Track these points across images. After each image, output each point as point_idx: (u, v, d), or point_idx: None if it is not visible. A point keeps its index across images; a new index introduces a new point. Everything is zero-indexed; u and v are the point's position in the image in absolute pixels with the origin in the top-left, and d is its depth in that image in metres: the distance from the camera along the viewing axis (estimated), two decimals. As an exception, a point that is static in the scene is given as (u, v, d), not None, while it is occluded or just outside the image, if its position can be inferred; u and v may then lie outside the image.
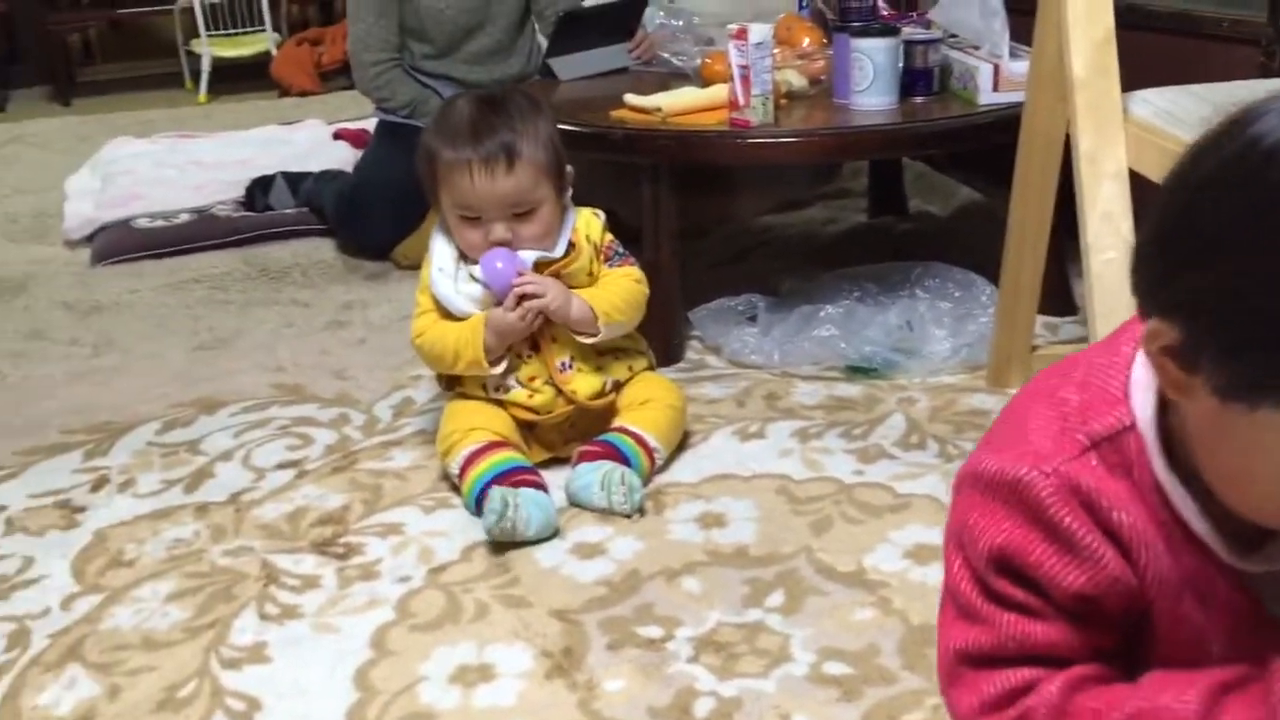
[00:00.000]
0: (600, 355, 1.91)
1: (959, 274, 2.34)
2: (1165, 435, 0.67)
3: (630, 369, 1.94)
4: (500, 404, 1.87)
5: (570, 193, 1.90)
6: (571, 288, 1.85)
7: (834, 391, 2.11)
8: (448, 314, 1.86)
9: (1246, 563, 0.66)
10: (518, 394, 1.87)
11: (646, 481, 1.83)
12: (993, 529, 0.69)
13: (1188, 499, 0.66)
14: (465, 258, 1.86)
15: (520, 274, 1.80)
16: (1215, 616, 0.67)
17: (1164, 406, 0.66)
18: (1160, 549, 0.67)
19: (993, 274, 2.03)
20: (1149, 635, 0.69)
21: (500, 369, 1.84)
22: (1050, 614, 0.69)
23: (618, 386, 1.92)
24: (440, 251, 1.88)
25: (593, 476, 1.76)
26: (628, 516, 1.73)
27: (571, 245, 1.87)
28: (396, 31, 2.93)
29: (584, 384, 1.88)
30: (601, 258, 1.92)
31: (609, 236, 1.94)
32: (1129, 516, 0.67)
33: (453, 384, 1.92)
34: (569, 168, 1.87)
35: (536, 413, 1.87)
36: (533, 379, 1.87)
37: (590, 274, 1.89)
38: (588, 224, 1.92)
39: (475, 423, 1.84)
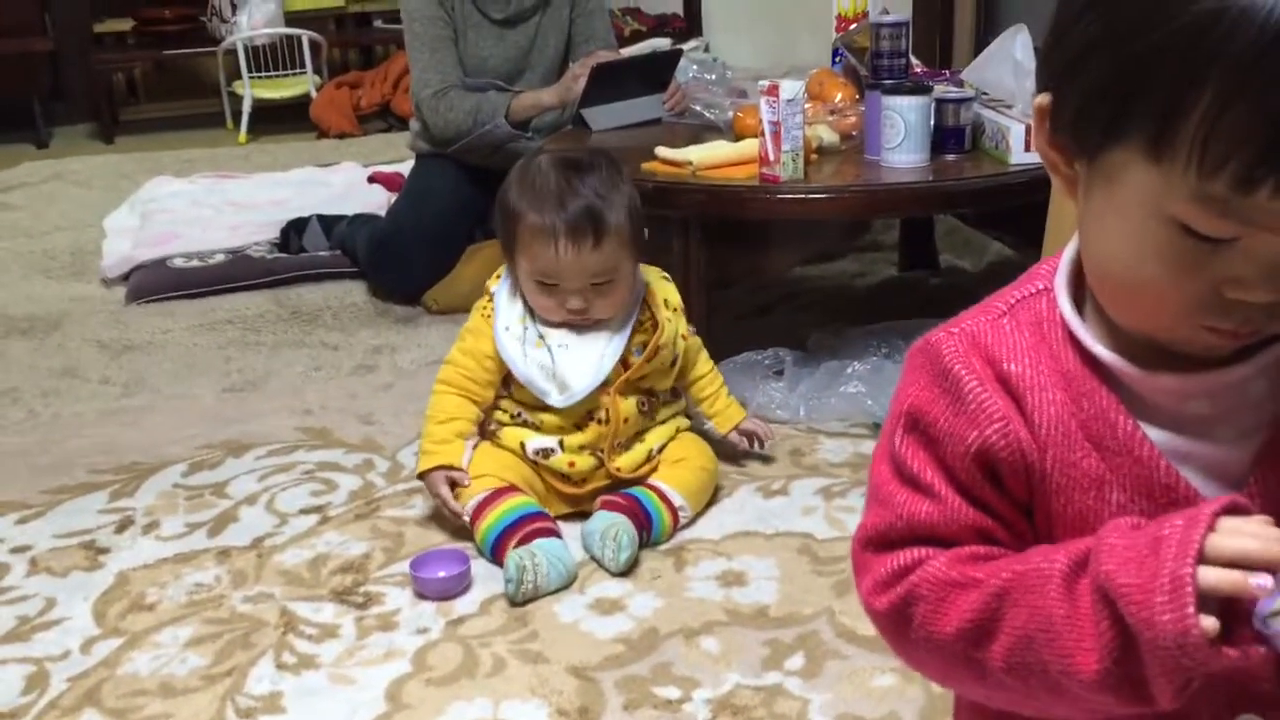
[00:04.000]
0: (651, 426, 1.92)
1: (988, 332, 2.32)
2: (1077, 294, 0.71)
3: (675, 430, 1.94)
4: (534, 465, 1.86)
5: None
6: (657, 363, 1.87)
7: (860, 449, 2.10)
8: (480, 371, 1.84)
9: (1151, 378, 0.67)
10: (558, 460, 1.85)
11: (670, 537, 1.82)
12: (905, 392, 0.73)
13: (1085, 329, 0.69)
14: (534, 315, 1.84)
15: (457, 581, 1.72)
16: (1114, 462, 0.68)
17: (1080, 274, 0.71)
18: (1058, 396, 0.69)
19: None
20: (1048, 497, 0.70)
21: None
22: (943, 493, 0.70)
23: (660, 450, 1.91)
24: (506, 309, 1.85)
25: (600, 525, 1.76)
26: (613, 574, 1.73)
27: (655, 323, 1.87)
28: (455, 64, 2.95)
29: (628, 459, 1.88)
30: (686, 321, 1.95)
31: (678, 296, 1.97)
32: (1020, 366, 0.70)
33: (485, 432, 1.91)
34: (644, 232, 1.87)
35: (572, 480, 1.86)
36: (582, 448, 1.86)
37: (685, 336, 1.92)
38: (663, 289, 1.93)
39: (485, 468, 1.83)
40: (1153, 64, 0.58)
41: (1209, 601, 0.59)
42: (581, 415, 1.85)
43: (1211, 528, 0.60)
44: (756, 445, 2.03)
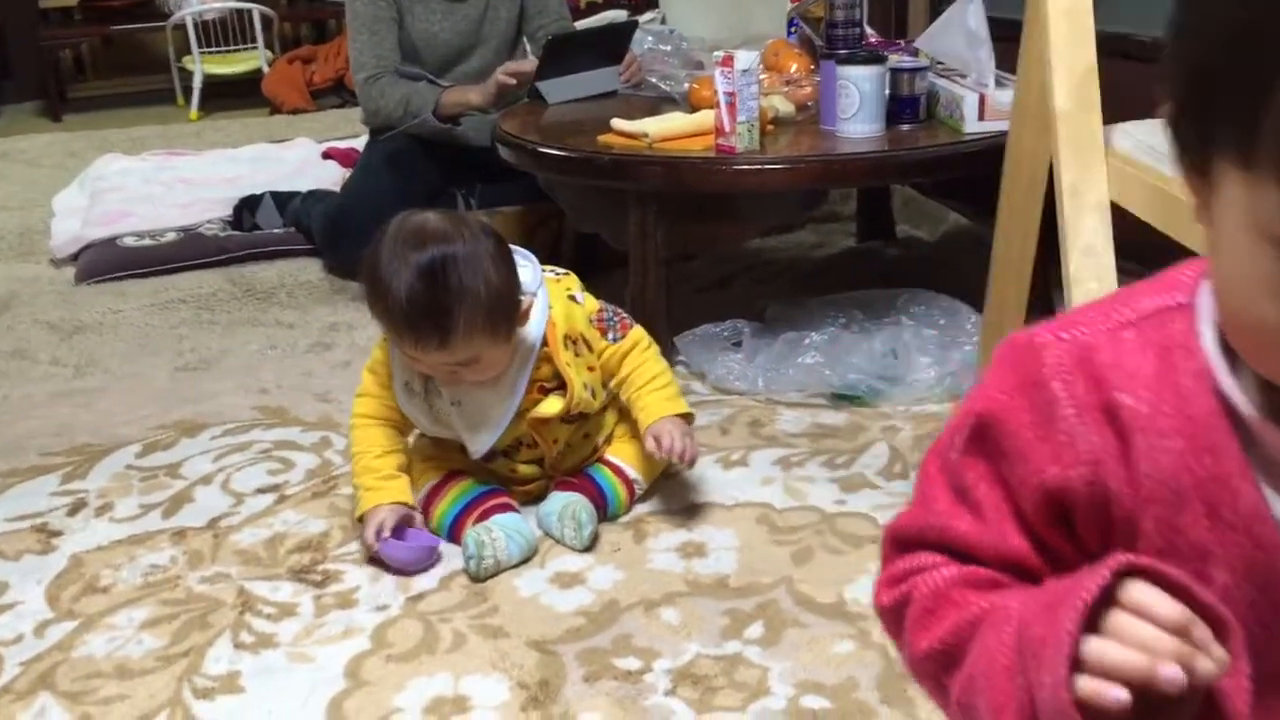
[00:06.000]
0: (588, 420, 1.85)
1: (944, 301, 2.34)
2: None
3: (616, 417, 1.89)
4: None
5: (539, 291, 1.72)
6: (576, 388, 1.73)
7: (818, 419, 2.10)
8: (391, 403, 1.77)
9: None
10: (500, 465, 1.83)
11: (626, 511, 1.82)
12: (984, 392, 0.62)
13: (1227, 369, 0.56)
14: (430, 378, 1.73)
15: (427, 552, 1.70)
16: (1227, 537, 0.56)
17: None
18: (1175, 445, 0.56)
19: (981, 299, 2.03)
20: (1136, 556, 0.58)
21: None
22: (992, 517, 0.61)
23: (607, 441, 1.87)
24: (400, 362, 1.75)
25: (556, 506, 1.75)
26: (578, 551, 1.72)
27: (561, 382, 1.73)
28: (393, 47, 2.92)
29: (571, 458, 1.86)
30: (599, 333, 1.79)
31: (595, 305, 1.81)
32: (1136, 400, 0.57)
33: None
34: (523, 299, 1.68)
35: (516, 482, 1.84)
36: (524, 461, 1.83)
37: (593, 367, 1.78)
38: (568, 317, 1.74)
39: (432, 461, 1.82)
40: (1232, 52, 0.49)
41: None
42: (510, 443, 1.80)
43: (1114, 580, 0.53)
44: (670, 455, 1.73)
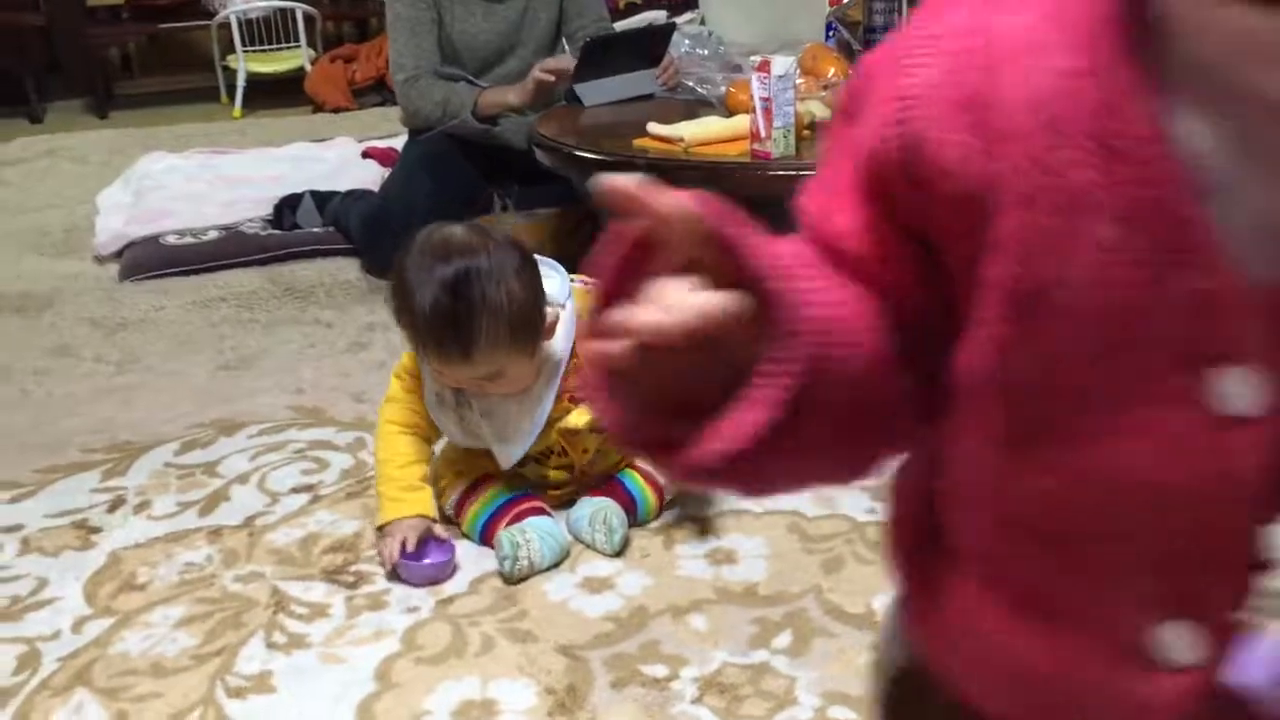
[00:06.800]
0: None
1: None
2: None
3: None
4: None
5: (566, 303, 1.73)
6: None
7: (851, 426, 2.09)
8: (417, 408, 1.79)
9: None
10: (530, 470, 1.84)
11: (656, 516, 1.83)
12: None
13: None
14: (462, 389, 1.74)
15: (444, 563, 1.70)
16: (1116, 172, 0.44)
17: None
18: (1060, 63, 0.45)
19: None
20: (982, 216, 0.47)
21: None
22: (835, 184, 0.52)
23: None
24: (433, 375, 1.76)
25: (587, 511, 1.76)
26: (609, 555, 1.72)
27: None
28: (432, 48, 2.94)
29: (601, 465, 1.86)
30: None
31: None
32: (1024, 17, 0.46)
33: None
34: (549, 311, 1.69)
35: (547, 488, 1.85)
36: (555, 467, 1.84)
37: None
38: None
39: (463, 465, 1.83)
40: None
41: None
42: (540, 450, 1.81)
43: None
44: None
